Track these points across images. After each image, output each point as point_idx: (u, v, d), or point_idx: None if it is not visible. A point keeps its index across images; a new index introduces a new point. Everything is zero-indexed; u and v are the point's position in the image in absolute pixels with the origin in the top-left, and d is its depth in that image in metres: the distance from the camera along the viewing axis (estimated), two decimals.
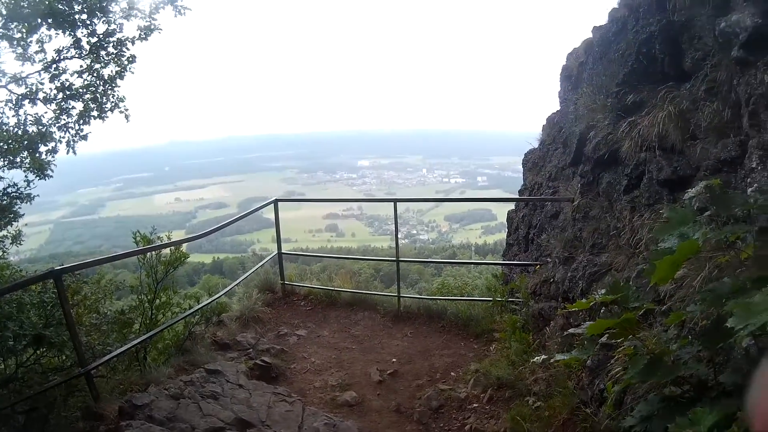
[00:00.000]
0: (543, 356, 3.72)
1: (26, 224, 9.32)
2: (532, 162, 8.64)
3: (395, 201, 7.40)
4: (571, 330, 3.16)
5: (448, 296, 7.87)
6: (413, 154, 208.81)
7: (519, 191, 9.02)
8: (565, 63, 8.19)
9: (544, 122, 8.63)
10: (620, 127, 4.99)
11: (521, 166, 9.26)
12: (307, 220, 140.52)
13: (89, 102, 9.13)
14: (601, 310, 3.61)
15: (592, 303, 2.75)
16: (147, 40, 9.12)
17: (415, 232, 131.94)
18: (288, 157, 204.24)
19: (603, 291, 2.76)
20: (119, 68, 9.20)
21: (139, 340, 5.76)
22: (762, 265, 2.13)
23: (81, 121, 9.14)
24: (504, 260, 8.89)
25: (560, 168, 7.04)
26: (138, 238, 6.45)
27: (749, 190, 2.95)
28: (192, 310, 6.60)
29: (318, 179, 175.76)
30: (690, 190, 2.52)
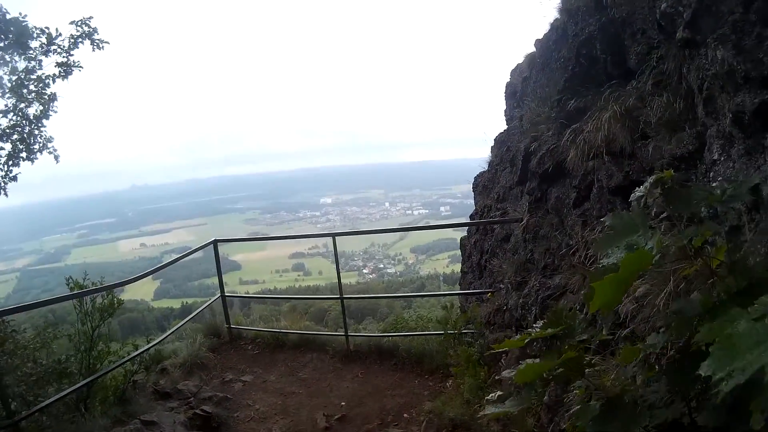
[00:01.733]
0: (494, 394, 3.20)
1: None
2: (482, 185, 8.27)
3: (333, 235, 6.91)
4: (504, 373, 2.64)
5: (401, 331, 7.37)
6: (375, 188, 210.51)
7: (470, 216, 8.62)
8: (508, 80, 7.93)
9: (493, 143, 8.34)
10: (564, 137, 4.65)
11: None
12: (273, 260, 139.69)
13: (17, 143, 8.77)
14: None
15: (526, 340, 2.21)
16: (67, 78, 8.73)
17: (382, 266, 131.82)
18: (249, 198, 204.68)
19: (540, 324, 2.27)
20: (43, 107, 8.80)
21: (69, 390, 5.26)
22: (740, 273, 1.64)
23: (10, 163, 8.78)
24: (460, 289, 8.42)
25: (508, 188, 6.66)
26: (71, 285, 6.03)
27: (713, 184, 2.52)
28: (127, 358, 6.08)
29: (281, 219, 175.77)
30: (637, 188, 2.00)
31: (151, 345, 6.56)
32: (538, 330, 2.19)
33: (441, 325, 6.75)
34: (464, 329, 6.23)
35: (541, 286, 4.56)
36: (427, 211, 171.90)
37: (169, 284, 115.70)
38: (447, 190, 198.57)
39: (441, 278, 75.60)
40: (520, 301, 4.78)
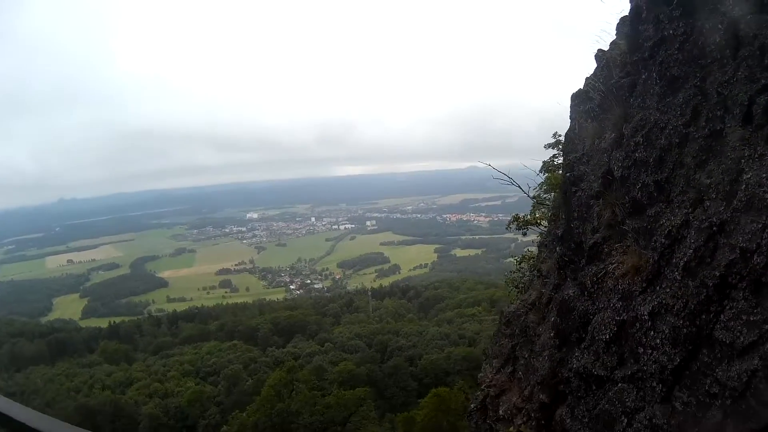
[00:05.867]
0: None
1: None
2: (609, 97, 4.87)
3: None
4: None
5: None
6: (301, 203, 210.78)
7: (565, 194, 5.27)
8: None
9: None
10: None
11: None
12: (200, 277, 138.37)
13: None
14: None
15: None
16: None
17: (309, 281, 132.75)
18: (175, 213, 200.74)
19: None
20: None
21: None
22: None
23: None
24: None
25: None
26: None
27: None
28: None
29: (208, 234, 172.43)
30: None
31: None
32: None
33: None
34: None
35: None
36: (353, 225, 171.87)
37: (96, 302, 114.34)
38: (372, 204, 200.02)
39: (370, 294, 78.33)
40: None
